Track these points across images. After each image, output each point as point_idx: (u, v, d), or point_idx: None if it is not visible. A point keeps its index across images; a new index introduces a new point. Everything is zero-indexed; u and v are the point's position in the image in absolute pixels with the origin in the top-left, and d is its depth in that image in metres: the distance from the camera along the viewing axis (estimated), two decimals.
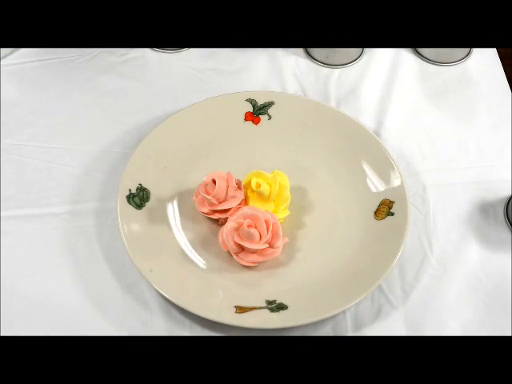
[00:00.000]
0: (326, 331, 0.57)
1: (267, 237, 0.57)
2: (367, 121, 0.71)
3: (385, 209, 0.62)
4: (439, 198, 0.65)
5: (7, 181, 0.65)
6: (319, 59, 0.76)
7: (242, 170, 0.63)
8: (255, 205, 0.60)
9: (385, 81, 0.76)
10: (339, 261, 0.59)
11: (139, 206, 0.61)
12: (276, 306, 0.56)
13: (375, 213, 0.62)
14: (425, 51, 0.78)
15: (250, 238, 0.57)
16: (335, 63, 0.76)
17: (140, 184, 0.63)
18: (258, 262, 0.59)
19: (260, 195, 0.60)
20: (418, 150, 0.69)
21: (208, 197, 0.59)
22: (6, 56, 0.75)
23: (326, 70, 0.76)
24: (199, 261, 0.60)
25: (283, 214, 0.61)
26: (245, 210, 0.59)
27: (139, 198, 0.62)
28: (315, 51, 0.76)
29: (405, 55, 0.78)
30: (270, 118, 0.69)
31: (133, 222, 0.60)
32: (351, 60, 0.76)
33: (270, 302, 0.57)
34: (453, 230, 0.63)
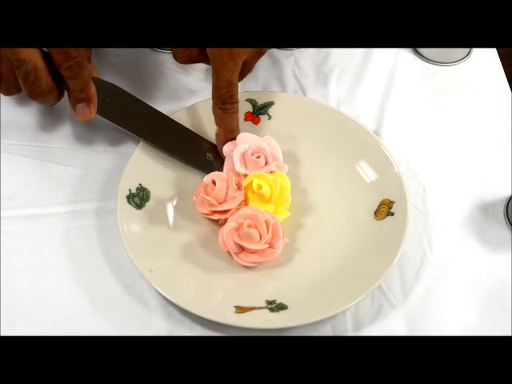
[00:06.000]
0: (326, 331, 0.57)
1: (267, 237, 0.57)
2: (367, 121, 0.71)
3: (385, 209, 0.62)
4: (439, 198, 0.65)
5: (7, 181, 0.65)
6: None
7: None
8: (256, 206, 0.60)
9: (385, 81, 0.76)
10: (339, 261, 0.59)
11: (139, 206, 0.61)
12: (276, 306, 0.56)
13: (375, 213, 0.62)
14: (425, 51, 0.78)
15: (249, 238, 0.57)
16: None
17: (140, 184, 0.63)
18: (258, 263, 0.59)
19: (261, 197, 0.60)
20: (418, 150, 0.69)
21: (208, 197, 0.59)
22: None
23: (325, 69, 0.76)
24: (199, 261, 0.59)
25: (284, 215, 0.61)
26: (245, 210, 0.59)
27: (139, 198, 0.62)
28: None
29: (405, 55, 0.78)
30: (269, 118, 0.69)
31: (133, 221, 0.60)
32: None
33: (270, 302, 0.57)
34: (453, 229, 0.63)
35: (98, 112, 0.62)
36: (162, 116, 0.66)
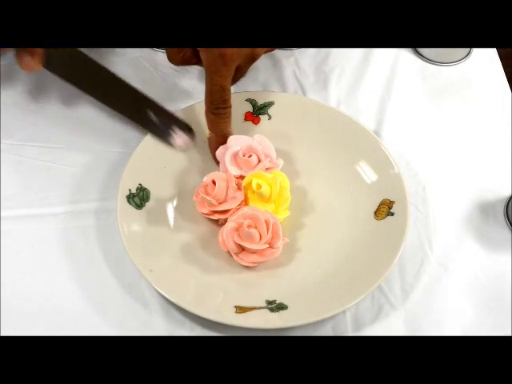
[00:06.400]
0: (326, 331, 0.57)
1: (267, 237, 0.57)
2: (367, 121, 0.71)
3: (385, 209, 0.62)
4: (439, 198, 0.65)
5: (7, 181, 0.65)
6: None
7: None
8: (256, 206, 0.60)
9: (385, 81, 0.76)
10: (339, 261, 0.60)
11: (139, 206, 0.61)
12: (276, 306, 0.56)
13: (375, 213, 0.62)
14: (425, 51, 0.78)
15: (250, 238, 0.57)
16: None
17: (140, 184, 0.63)
18: (258, 262, 0.59)
19: (261, 196, 0.60)
20: (417, 150, 0.69)
21: (207, 197, 0.59)
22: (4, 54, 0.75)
23: (325, 70, 0.76)
24: (199, 261, 0.59)
25: (283, 214, 0.61)
26: (245, 210, 0.59)
27: (139, 198, 0.62)
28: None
29: (405, 55, 0.78)
30: (269, 118, 0.69)
31: (133, 222, 0.60)
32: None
33: (270, 302, 0.57)
34: (453, 229, 0.63)
35: (43, 65, 0.61)
36: (107, 72, 0.65)
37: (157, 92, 0.73)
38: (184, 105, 0.69)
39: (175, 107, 0.70)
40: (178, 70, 0.76)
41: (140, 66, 0.76)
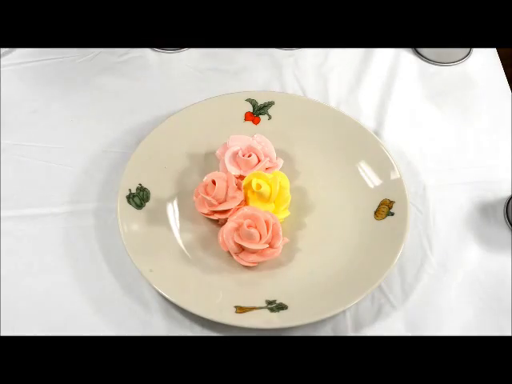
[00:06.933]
0: (326, 331, 0.57)
1: (267, 237, 0.57)
2: (367, 121, 0.71)
3: (385, 209, 0.62)
4: (439, 197, 0.65)
5: (7, 181, 0.65)
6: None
7: None
8: (256, 205, 0.60)
9: (385, 81, 0.76)
10: (339, 261, 0.59)
11: (139, 206, 0.61)
12: (276, 306, 0.56)
13: (375, 213, 0.62)
14: (425, 51, 0.78)
15: (250, 238, 0.57)
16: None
17: (140, 184, 0.63)
18: (258, 262, 0.59)
19: (260, 196, 0.60)
20: (418, 150, 0.69)
21: (207, 197, 0.59)
22: (4, 55, 0.75)
23: (325, 70, 0.76)
24: (199, 261, 0.59)
25: (283, 214, 0.61)
26: (245, 210, 0.59)
27: (139, 198, 0.62)
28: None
29: (405, 55, 0.78)
30: (270, 117, 0.69)
31: (133, 222, 0.60)
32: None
33: (270, 302, 0.57)
34: (453, 229, 0.63)
35: None
36: None
37: (157, 92, 0.74)
38: (184, 104, 0.69)
39: (175, 107, 0.70)
40: (178, 70, 0.76)
41: (140, 66, 0.76)
